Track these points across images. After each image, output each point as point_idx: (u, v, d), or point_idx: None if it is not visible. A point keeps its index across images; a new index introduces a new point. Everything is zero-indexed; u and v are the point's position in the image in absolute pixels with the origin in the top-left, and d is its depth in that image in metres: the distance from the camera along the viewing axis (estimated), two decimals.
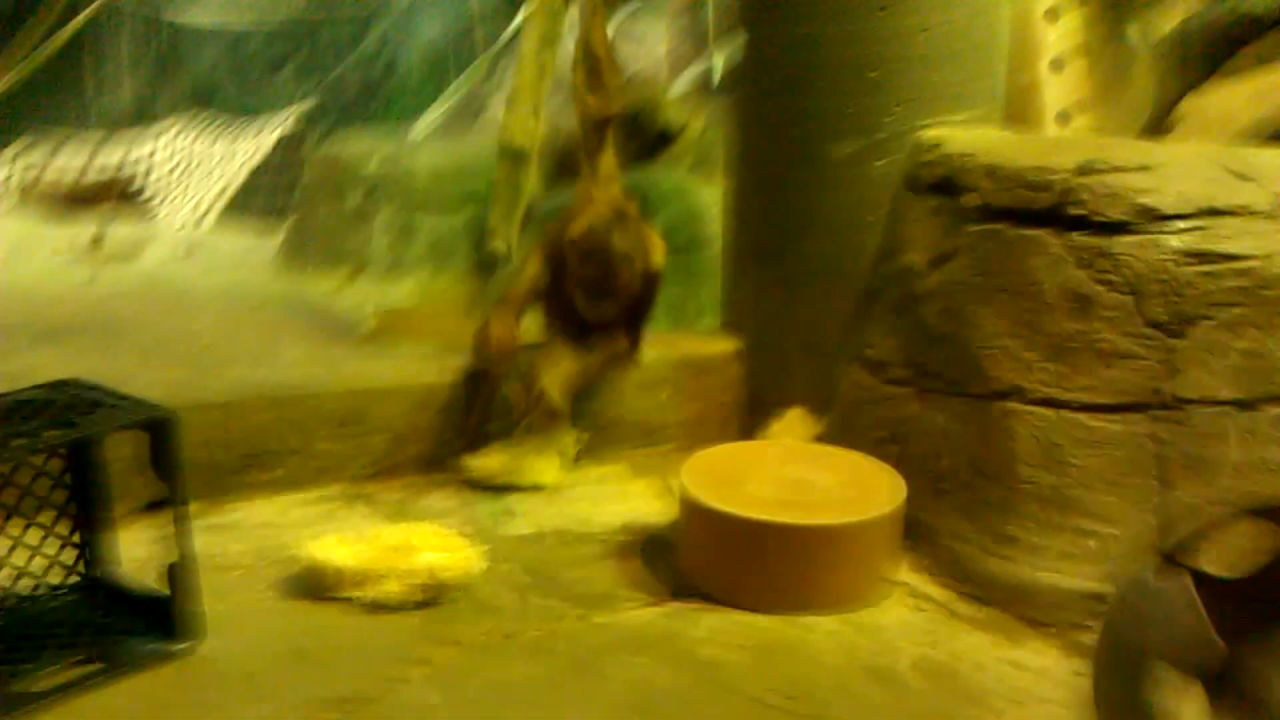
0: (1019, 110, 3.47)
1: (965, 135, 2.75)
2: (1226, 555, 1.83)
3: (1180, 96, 3.60)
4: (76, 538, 2.23)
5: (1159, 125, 3.55)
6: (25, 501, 2.16)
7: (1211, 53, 6.20)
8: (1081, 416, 2.41)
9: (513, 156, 3.01)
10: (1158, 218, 2.41)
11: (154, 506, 2.09)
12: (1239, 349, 2.39)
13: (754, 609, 2.27)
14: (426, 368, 2.89)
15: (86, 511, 2.22)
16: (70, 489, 2.20)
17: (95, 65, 9.83)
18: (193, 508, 2.12)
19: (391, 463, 2.80)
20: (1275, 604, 1.83)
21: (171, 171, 8.07)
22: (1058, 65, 3.54)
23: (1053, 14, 3.54)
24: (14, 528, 2.16)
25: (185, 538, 2.03)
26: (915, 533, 2.50)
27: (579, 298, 2.75)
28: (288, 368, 2.94)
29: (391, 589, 2.22)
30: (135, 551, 2.27)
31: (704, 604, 2.30)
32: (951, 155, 2.65)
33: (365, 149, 4.63)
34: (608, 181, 2.73)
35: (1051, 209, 2.47)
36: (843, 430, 2.77)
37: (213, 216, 7.14)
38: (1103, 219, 2.42)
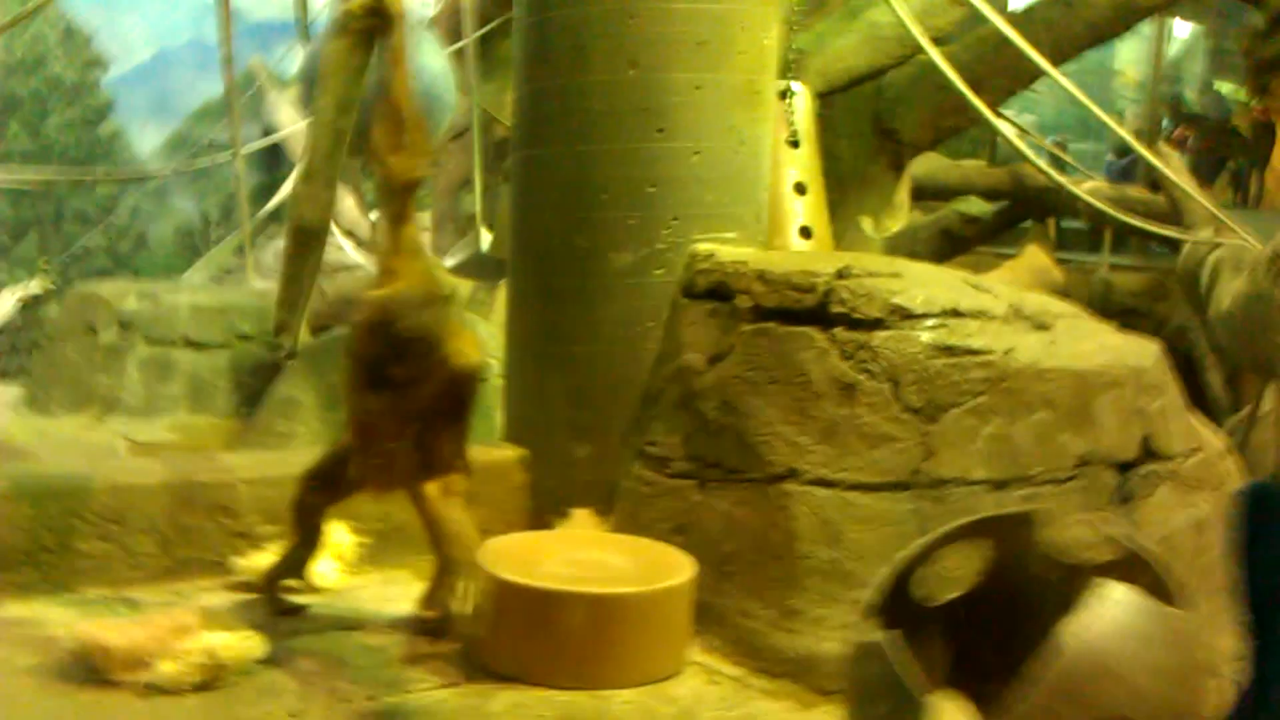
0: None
1: (735, 249, 2.97)
2: (936, 582, 1.97)
3: None
4: None
5: None
6: None
7: (938, 248, 6.91)
8: (852, 495, 2.57)
9: (304, 234, 2.66)
10: (909, 315, 2.66)
11: None
12: (986, 434, 2.63)
13: (552, 684, 2.25)
14: (197, 466, 2.78)
15: None
16: None
17: None
18: None
19: (159, 566, 2.65)
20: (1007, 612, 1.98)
21: None
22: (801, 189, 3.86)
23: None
24: None
25: None
26: (705, 616, 2.56)
27: (360, 391, 2.41)
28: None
29: (167, 670, 2.08)
30: None
31: (500, 682, 2.26)
32: (725, 263, 2.85)
33: (122, 287, 4.49)
34: (411, 255, 2.43)
35: (816, 307, 2.68)
36: (630, 525, 2.83)
37: None
38: (861, 316, 2.65)
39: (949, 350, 2.64)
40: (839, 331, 2.66)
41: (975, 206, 7.00)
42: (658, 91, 2.94)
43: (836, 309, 2.67)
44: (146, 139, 9.39)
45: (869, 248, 5.69)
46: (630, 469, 2.91)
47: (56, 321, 4.67)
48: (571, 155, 3.00)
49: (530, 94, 3.13)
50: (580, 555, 2.52)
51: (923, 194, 7.40)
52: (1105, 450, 2.70)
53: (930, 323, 2.68)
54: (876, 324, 2.65)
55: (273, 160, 8.01)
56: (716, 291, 2.85)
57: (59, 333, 4.58)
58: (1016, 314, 2.82)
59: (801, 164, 3.89)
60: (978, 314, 2.75)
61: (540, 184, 3.10)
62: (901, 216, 6.42)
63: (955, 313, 2.72)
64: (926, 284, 2.77)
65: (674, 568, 2.50)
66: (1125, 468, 2.75)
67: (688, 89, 2.95)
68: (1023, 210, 7.77)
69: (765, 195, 3.18)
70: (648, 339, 2.95)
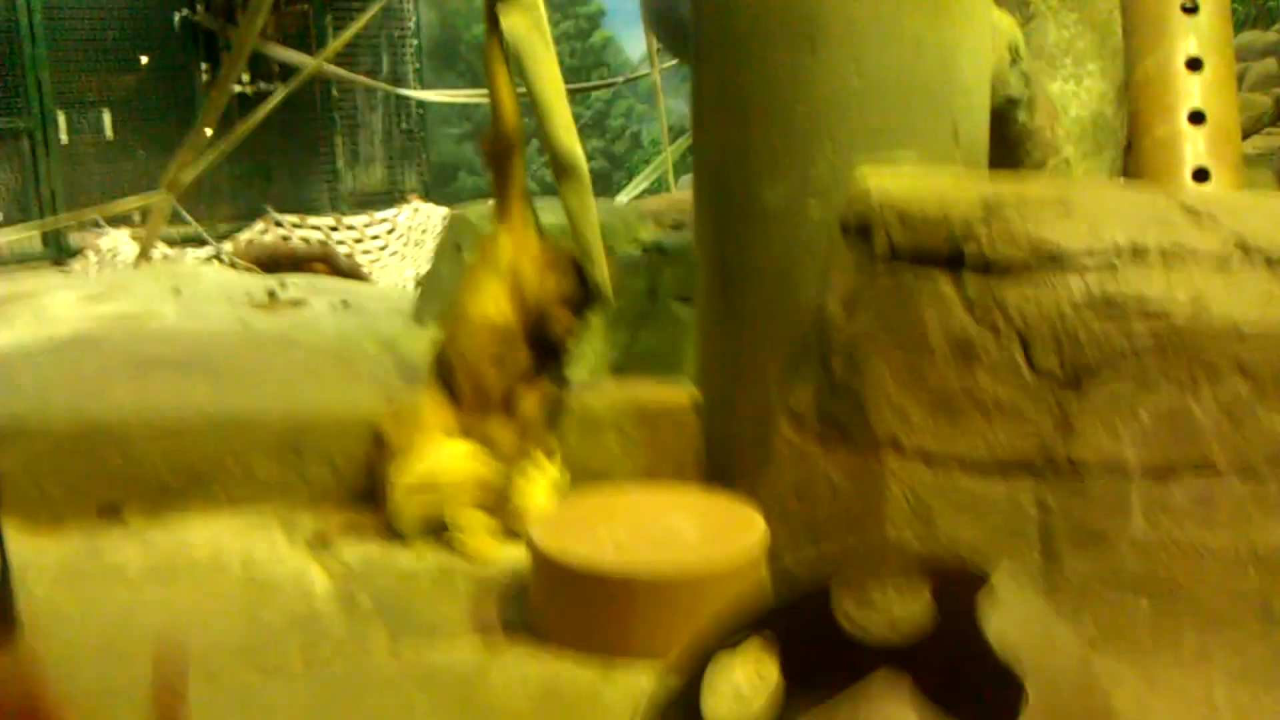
0: (1154, 166, 3.19)
1: (901, 174, 2.57)
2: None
3: None
4: None
5: None
6: None
7: None
8: (957, 476, 2.19)
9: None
10: (1057, 257, 2.17)
11: None
12: (1149, 408, 2.09)
13: (599, 653, 2.17)
14: None
15: None
16: None
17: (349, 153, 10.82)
18: None
19: None
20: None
21: (382, 246, 8.82)
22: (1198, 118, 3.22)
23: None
24: None
25: None
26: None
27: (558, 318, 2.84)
28: (324, 397, 3.12)
29: None
30: None
31: (541, 647, 2.23)
32: (870, 195, 2.48)
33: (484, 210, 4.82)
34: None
35: (948, 250, 2.27)
36: (761, 485, 2.62)
37: (412, 282, 7.67)
38: (998, 259, 2.20)
39: (1107, 301, 2.13)
40: (968, 278, 2.24)
41: None
42: (807, 3, 2.58)
43: (971, 250, 2.24)
44: (636, 43, 9.84)
45: None
46: (777, 425, 2.67)
47: (438, 240, 5.12)
48: (721, 80, 2.75)
49: (691, 20, 2.90)
50: (644, 519, 2.38)
51: None
52: None
53: (1090, 264, 2.16)
54: (1014, 269, 2.19)
55: None
56: (862, 229, 2.50)
57: (438, 251, 5.05)
58: (1242, 251, 2.19)
59: (1200, 33, 3.24)
60: (1173, 252, 2.17)
61: (702, 115, 2.88)
62: None
63: (1135, 251, 2.17)
64: (1104, 215, 2.23)
65: (742, 531, 2.29)
66: None
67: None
68: None
69: (973, 103, 2.70)
70: (805, 282, 2.66)
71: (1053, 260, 2.17)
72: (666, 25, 5.28)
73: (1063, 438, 2.12)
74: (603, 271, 2.92)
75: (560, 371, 2.90)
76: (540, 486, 2.78)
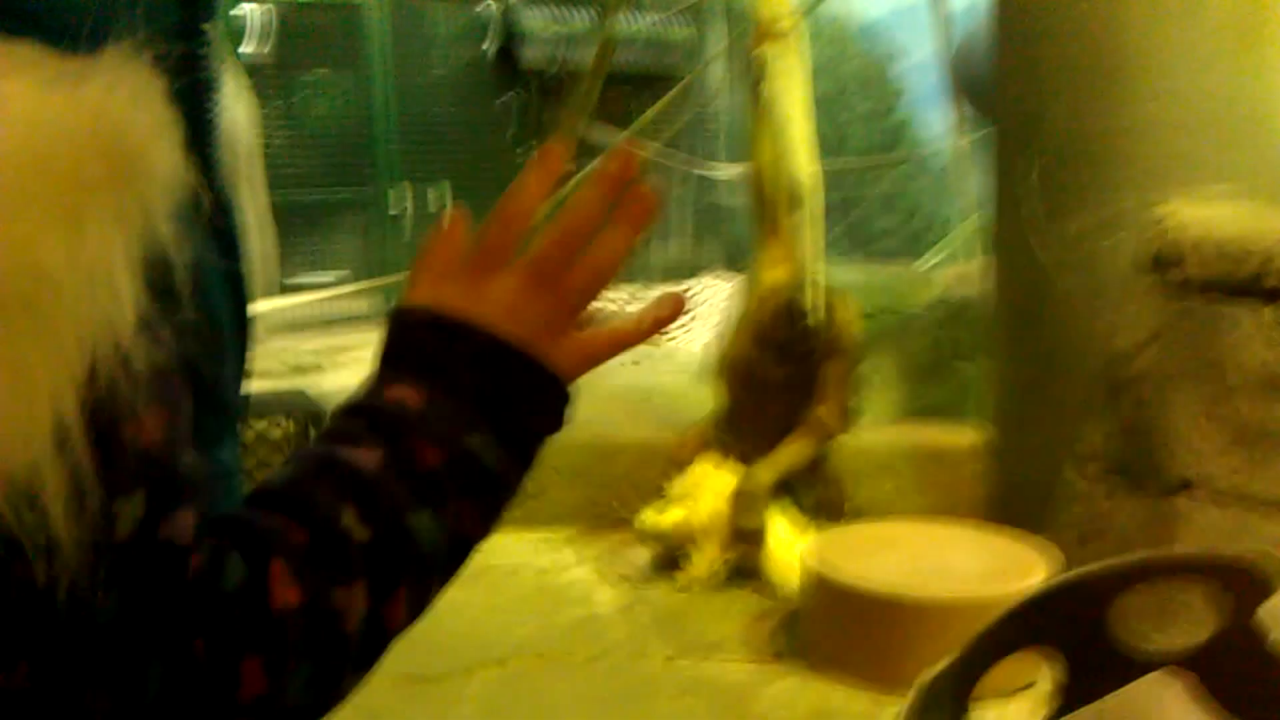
0: None
1: (1208, 209, 2.46)
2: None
3: None
4: None
5: None
6: None
7: None
8: (1257, 517, 2.05)
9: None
10: None
11: None
12: None
13: (871, 682, 2.17)
14: None
15: None
16: None
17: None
18: None
19: None
20: None
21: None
22: None
23: None
24: None
25: None
26: None
27: (766, 361, 2.83)
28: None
29: None
30: None
31: (808, 671, 2.25)
32: (1168, 228, 2.39)
33: None
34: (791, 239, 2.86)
35: (1250, 281, 2.16)
36: (1040, 527, 2.53)
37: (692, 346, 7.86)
38: None
39: None
40: (1269, 311, 2.12)
41: None
42: (1114, 31, 2.54)
43: (1273, 283, 2.13)
44: (935, 122, 9.77)
45: None
46: (1064, 467, 2.58)
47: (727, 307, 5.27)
48: (1024, 115, 2.73)
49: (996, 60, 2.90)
50: (923, 552, 2.36)
51: None
52: None
53: None
54: None
55: None
56: (1159, 262, 2.41)
57: (726, 317, 5.20)
58: None
59: None
60: None
61: (1005, 153, 2.85)
62: None
63: None
64: None
65: (1028, 569, 2.23)
66: None
67: (1150, 25, 2.50)
68: None
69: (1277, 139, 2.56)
70: (1098, 318, 2.58)
71: None
72: (975, 86, 5.26)
73: None
74: (819, 300, 2.88)
75: (823, 420, 2.88)
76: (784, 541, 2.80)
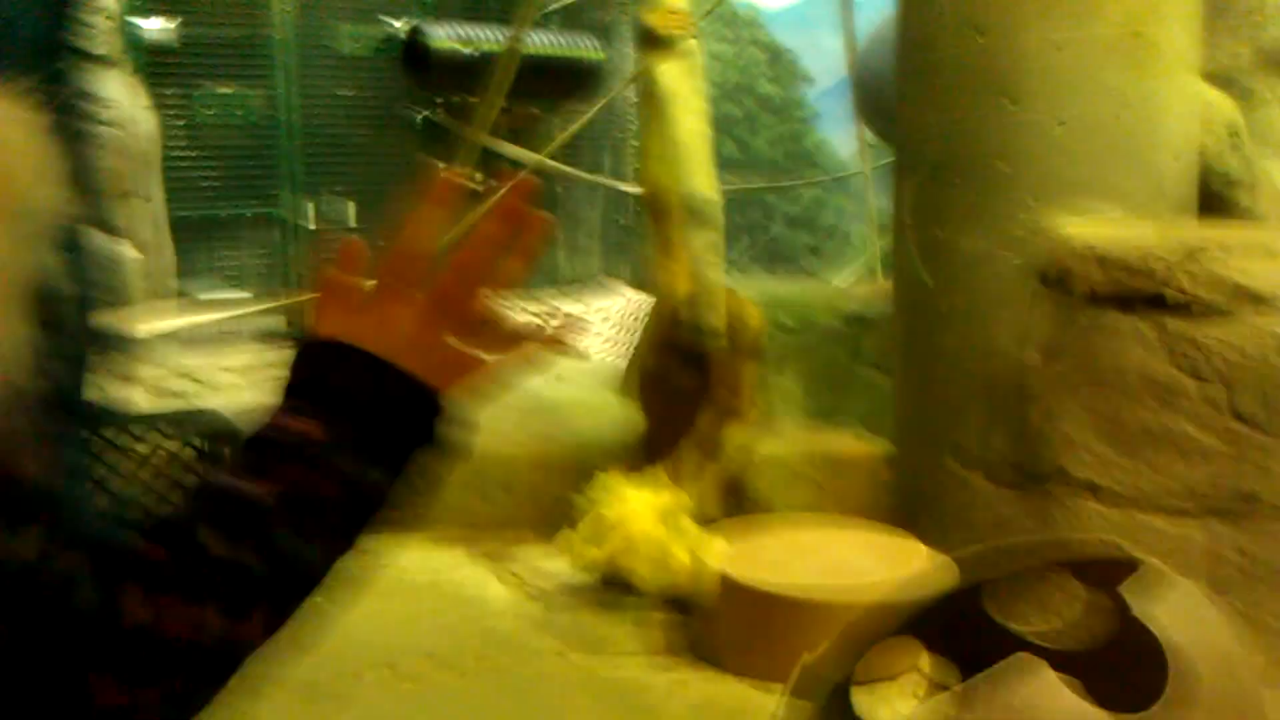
0: None
1: (1103, 228, 2.57)
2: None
3: None
4: None
5: None
6: None
7: None
8: (1148, 518, 2.16)
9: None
10: (1263, 301, 2.14)
11: None
12: None
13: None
14: None
15: None
16: None
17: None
18: None
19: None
20: None
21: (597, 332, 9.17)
22: None
23: None
24: None
25: None
26: None
27: (674, 367, 2.90)
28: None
29: None
30: None
31: (715, 672, 2.29)
32: (1068, 246, 2.49)
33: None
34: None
35: (1152, 295, 2.26)
36: (937, 531, 2.61)
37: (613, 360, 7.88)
38: (1199, 304, 2.18)
39: None
40: (1170, 323, 2.22)
41: None
42: (1007, 57, 2.64)
43: (1174, 297, 2.23)
44: (848, 145, 9.96)
45: None
46: (956, 472, 2.66)
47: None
48: (923, 134, 2.82)
49: (897, 75, 3.00)
50: (823, 551, 2.44)
51: None
52: None
53: None
54: (1216, 313, 2.17)
55: None
56: (1060, 278, 2.50)
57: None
58: None
59: None
60: None
61: (903, 169, 2.95)
62: None
63: None
64: None
65: (909, 559, 2.31)
66: None
67: (1040, 50, 2.61)
68: None
69: (1182, 167, 2.68)
70: (997, 333, 2.67)
71: (1256, 302, 2.14)
72: (879, 111, 5.39)
73: (1263, 481, 2.06)
74: (719, 316, 2.97)
75: (725, 397, 2.95)
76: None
